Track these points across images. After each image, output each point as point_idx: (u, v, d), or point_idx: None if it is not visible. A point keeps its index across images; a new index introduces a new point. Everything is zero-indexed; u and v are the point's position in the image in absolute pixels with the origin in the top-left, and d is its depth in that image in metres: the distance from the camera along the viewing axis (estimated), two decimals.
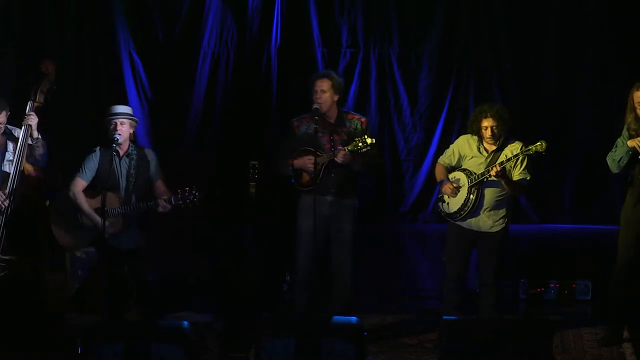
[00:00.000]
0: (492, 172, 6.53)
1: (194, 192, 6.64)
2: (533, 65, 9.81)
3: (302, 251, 6.73)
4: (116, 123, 6.64)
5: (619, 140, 6.66)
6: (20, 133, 6.58)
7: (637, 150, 6.43)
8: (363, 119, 6.82)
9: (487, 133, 6.65)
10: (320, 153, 6.54)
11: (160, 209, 6.65)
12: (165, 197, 6.65)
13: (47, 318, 6.58)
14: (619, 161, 6.57)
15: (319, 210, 6.52)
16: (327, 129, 6.64)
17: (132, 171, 6.73)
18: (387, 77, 9.91)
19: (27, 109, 6.58)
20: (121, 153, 6.72)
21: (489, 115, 6.63)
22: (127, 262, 6.76)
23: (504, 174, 6.56)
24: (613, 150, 6.64)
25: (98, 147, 6.77)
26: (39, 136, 6.62)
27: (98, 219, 6.60)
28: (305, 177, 6.67)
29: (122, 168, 6.73)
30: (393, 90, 9.93)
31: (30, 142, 6.59)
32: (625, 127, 6.62)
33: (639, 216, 6.59)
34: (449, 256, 6.84)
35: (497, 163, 6.57)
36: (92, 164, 6.76)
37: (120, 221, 6.66)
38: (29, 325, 6.52)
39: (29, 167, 6.59)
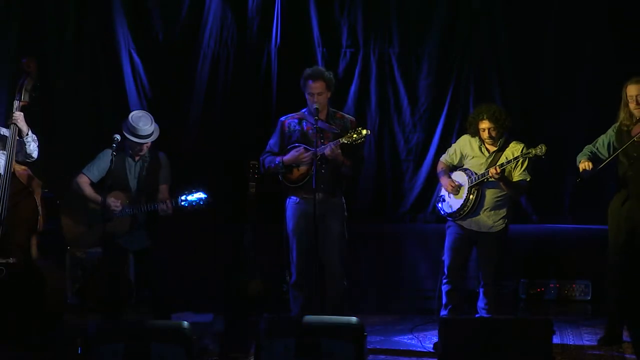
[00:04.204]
0: (491, 173, 6.56)
1: (201, 195, 6.66)
2: (533, 65, 9.80)
3: (295, 252, 6.74)
4: (142, 146, 6.71)
5: (601, 137, 6.70)
6: (8, 133, 6.56)
7: (580, 172, 6.53)
8: (352, 119, 6.86)
9: (485, 135, 6.69)
10: (311, 148, 6.55)
11: (161, 212, 6.67)
12: (168, 200, 6.67)
13: (47, 318, 6.58)
14: (578, 165, 6.67)
15: (309, 210, 6.53)
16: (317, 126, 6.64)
17: (143, 173, 6.78)
18: (387, 77, 9.90)
19: (14, 108, 6.57)
20: (136, 157, 6.76)
21: (485, 117, 6.66)
22: (137, 262, 6.81)
23: (502, 175, 6.58)
24: (591, 145, 6.70)
25: (111, 148, 6.77)
26: (29, 131, 6.60)
27: (99, 198, 6.64)
28: (295, 173, 6.68)
29: (135, 170, 6.77)
30: (393, 90, 9.92)
31: (19, 139, 6.58)
32: (614, 126, 6.65)
33: (628, 214, 6.60)
34: (448, 255, 6.86)
35: (496, 165, 6.59)
36: (103, 164, 6.78)
37: (127, 221, 6.70)
38: (29, 326, 6.51)
39: (17, 167, 6.59)
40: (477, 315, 6.85)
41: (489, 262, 6.79)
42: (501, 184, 6.64)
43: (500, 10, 9.74)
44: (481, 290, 6.86)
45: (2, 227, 6.42)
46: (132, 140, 6.69)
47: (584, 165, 6.53)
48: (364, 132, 6.49)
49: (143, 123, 6.70)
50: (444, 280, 6.85)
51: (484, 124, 6.66)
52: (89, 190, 6.76)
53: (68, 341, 6.49)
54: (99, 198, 6.68)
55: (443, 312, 6.83)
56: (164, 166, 6.89)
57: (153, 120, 6.79)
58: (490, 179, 6.62)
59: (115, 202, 6.66)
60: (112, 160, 6.62)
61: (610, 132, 6.66)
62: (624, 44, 9.42)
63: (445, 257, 6.85)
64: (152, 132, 6.76)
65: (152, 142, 6.85)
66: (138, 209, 6.69)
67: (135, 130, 6.68)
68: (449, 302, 6.82)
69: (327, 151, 6.50)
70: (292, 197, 6.74)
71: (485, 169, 6.67)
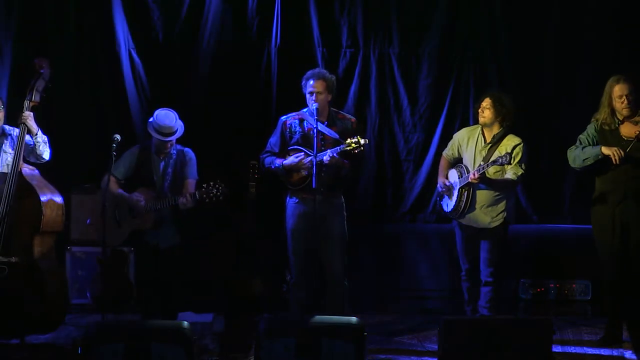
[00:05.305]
0: (471, 179, 6.64)
1: (217, 186, 6.68)
2: (533, 65, 9.80)
3: (294, 251, 6.75)
4: (167, 143, 6.73)
5: (582, 136, 6.70)
6: (17, 133, 6.58)
7: (612, 160, 6.46)
8: (353, 119, 6.87)
9: (479, 111, 6.82)
10: (310, 152, 6.55)
11: (181, 206, 6.71)
12: (187, 193, 6.71)
13: (48, 318, 6.58)
14: (585, 160, 6.62)
15: (308, 210, 6.55)
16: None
17: (168, 170, 6.82)
18: (387, 77, 9.90)
19: (24, 108, 6.59)
20: (161, 155, 6.79)
21: (488, 95, 6.79)
22: (163, 259, 6.83)
23: (484, 177, 6.66)
24: (576, 146, 6.69)
25: (137, 145, 6.87)
26: (39, 131, 6.64)
27: (127, 195, 6.69)
28: (295, 177, 6.69)
29: (160, 166, 6.81)
30: (393, 90, 9.91)
31: (30, 139, 6.60)
32: (593, 123, 6.66)
33: (624, 215, 6.60)
34: (459, 254, 6.96)
35: (475, 170, 6.68)
36: (129, 161, 6.85)
37: (151, 217, 6.74)
38: (30, 325, 6.52)
39: (23, 167, 6.59)
40: (477, 315, 6.86)
41: (489, 260, 6.81)
42: (486, 185, 6.71)
43: (500, 10, 9.73)
44: (482, 289, 6.88)
45: (5, 225, 6.43)
46: (156, 138, 6.73)
47: (613, 151, 6.45)
48: (362, 141, 6.50)
49: (168, 121, 6.74)
50: (462, 278, 6.95)
51: (485, 102, 6.79)
52: (115, 189, 6.80)
53: (68, 341, 6.50)
54: (125, 196, 6.75)
55: (467, 309, 6.91)
56: (189, 162, 6.94)
57: (177, 117, 6.81)
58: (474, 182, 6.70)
59: (139, 197, 6.71)
60: (138, 157, 6.72)
61: (593, 133, 6.67)
62: (624, 43, 9.42)
63: (459, 256, 6.97)
64: (177, 129, 6.79)
65: (178, 139, 6.91)
66: (162, 204, 6.73)
67: (160, 129, 6.71)
68: (470, 299, 6.91)
69: (326, 159, 6.51)
70: (292, 197, 6.75)
71: (479, 164, 6.72)
